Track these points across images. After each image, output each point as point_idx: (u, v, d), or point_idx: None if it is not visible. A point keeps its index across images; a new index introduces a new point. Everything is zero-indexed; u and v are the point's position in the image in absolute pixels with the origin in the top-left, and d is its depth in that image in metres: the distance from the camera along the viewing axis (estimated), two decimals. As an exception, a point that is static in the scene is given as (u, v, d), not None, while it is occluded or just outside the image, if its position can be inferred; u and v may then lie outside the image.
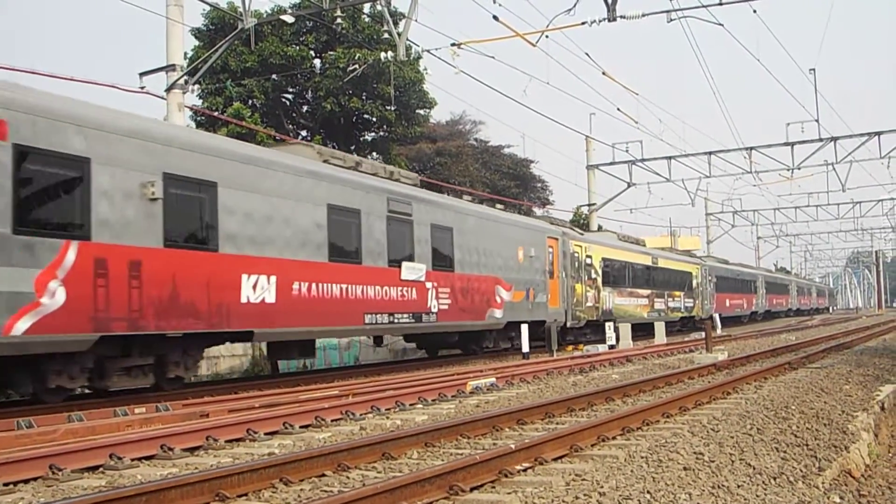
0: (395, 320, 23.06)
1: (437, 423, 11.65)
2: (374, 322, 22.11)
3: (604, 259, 39.20)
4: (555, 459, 9.48)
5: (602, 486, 7.89)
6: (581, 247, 36.90)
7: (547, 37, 27.61)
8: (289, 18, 33.42)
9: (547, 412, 13.14)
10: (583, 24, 26.71)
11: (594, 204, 52.39)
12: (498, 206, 35.34)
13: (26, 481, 8.98)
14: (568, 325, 34.93)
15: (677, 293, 50.71)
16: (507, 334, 30.64)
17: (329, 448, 9.51)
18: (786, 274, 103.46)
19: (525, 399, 15.69)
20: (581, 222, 52.13)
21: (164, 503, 7.31)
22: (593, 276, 37.76)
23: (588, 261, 37.30)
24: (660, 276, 47.56)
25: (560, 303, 33.89)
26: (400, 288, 23.31)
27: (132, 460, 9.96)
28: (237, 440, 11.57)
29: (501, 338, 30.73)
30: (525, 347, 28.10)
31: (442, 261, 25.49)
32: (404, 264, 23.57)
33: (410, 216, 24.09)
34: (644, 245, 50.89)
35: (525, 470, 8.87)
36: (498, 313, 28.50)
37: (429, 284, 24.58)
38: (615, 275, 40.78)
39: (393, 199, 23.36)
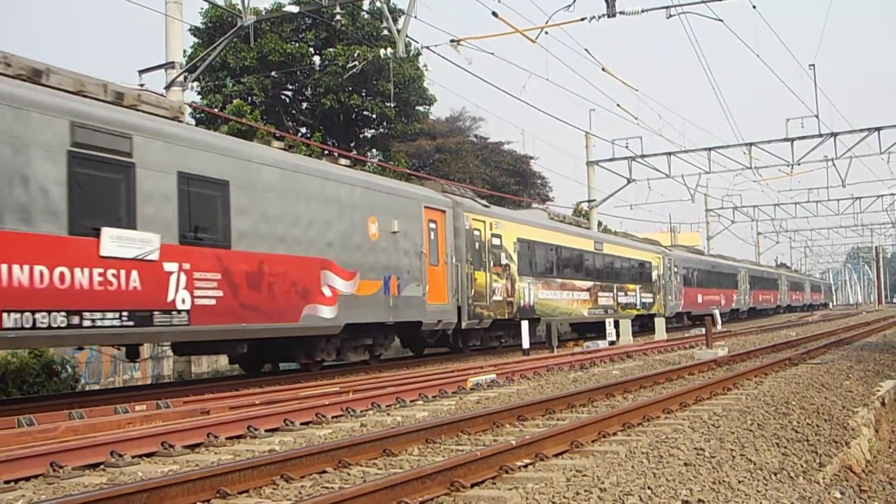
0: (85, 322, 14.48)
1: (437, 420, 11.65)
2: (20, 326, 13.54)
3: (520, 240, 31.32)
4: (555, 455, 9.47)
5: (603, 482, 7.90)
6: (483, 223, 28.54)
7: (546, 33, 27.72)
8: (293, 9, 33.42)
9: (547, 408, 13.14)
10: (582, 20, 26.78)
11: (594, 200, 52.38)
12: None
13: (27, 479, 8.97)
14: (463, 325, 26.94)
15: (631, 286, 43.33)
16: (358, 342, 23.42)
17: (330, 445, 9.50)
18: (776, 267, 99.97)
19: (525, 395, 15.70)
20: (581, 217, 52.08)
21: (166, 500, 7.30)
22: (504, 262, 29.71)
23: (495, 242, 29.26)
24: (606, 265, 40.21)
25: (448, 297, 25.91)
26: (99, 270, 14.84)
27: (133, 457, 9.95)
28: (238, 437, 11.56)
29: (351, 346, 23.30)
30: (525, 344, 27.81)
31: (204, 231, 17.27)
32: (107, 232, 15.05)
33: (129, 157, 15.60)
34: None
35: (526, 466, 8.86)
36: (326, 311, 20.46)
37: (170, 266, 16.15)
38: (539, 261, 33.15)
39: (84, 128, 14.83)
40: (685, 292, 53.28)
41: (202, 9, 40.56)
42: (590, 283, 37.95)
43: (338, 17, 31.46)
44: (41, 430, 11.31)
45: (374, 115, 44.78)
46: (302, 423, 12.63)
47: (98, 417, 12.62)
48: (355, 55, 38.16)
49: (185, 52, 30.44)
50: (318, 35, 42.77)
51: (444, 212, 26.28)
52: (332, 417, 13.32)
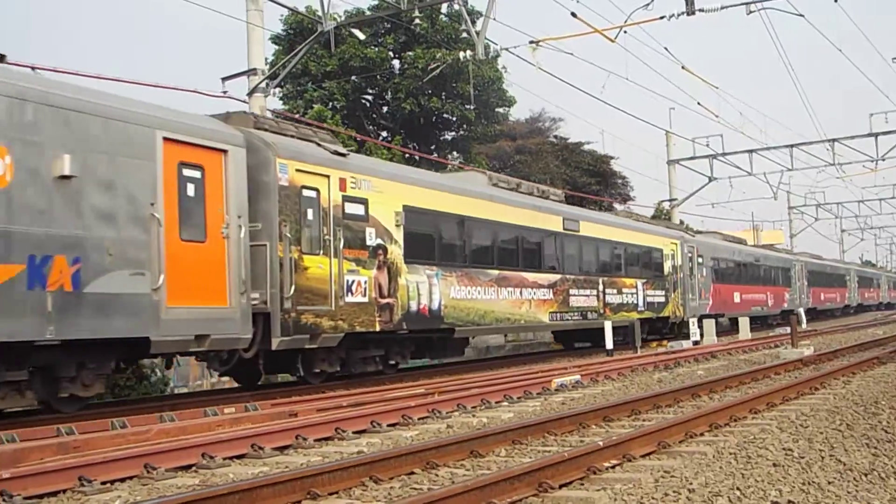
0: None
1: (523, 421, 11.69)
2: None
3: (409, 211, 20.50)
4: (643, 456, 9.45)
5: (691, 483, 7.87)
6: (325, 179, 18.16)
7: (625, 32, 27.48)
8: (360, 35, 33.65)
9: (633, 409, 13.11)
10: (661, 18, 26.57)
11: (675, 199, 51.86)
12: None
13: (122, 480, 9.18)
14: (275, 345, 16.48)
15: (628, 281, 31.76)
16: None
17: (417, 446, 9.60)
18: (846, 263, 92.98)
19: (611, 396, 15.66)
20: (662, 218, 51.37)
21: (257, 501, 7.43)
22: (372, 242, 19.17)
23: (354, 210, 18.81)
24: (585, 252, 28.95)
25: (231, 296, 15.54)
26: None
27: (223, 459, 10.12)
28: (326, 439, 11.70)
29: None
30: (609, 344, 27.38)
31: None
32: None
33: None
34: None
35: (613, 467, 8.87)
36: None
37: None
38: (453, 244, 22.50)
39: None
40: (715, 290, 41.40)
41: (282, 15, 40.99)
42: (555, 277, 26.78)
43: (416, 20, 31.61)
44: (134, 433, 11.54)
45: (454, 118, 44.87)
46: (389, 425, 12.74)
47: (188, 420, 12.82)
48: (435, 58, 38.28)
49: (266, 59, 30.83)
50: (398, 39, 42.96)
51: (221, 153, 15.82)
52: (419, 419, 13.41)
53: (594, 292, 29.02)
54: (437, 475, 8.81)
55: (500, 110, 47.67)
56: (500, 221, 24.35)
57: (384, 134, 45.00)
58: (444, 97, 43.59)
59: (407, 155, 36.99)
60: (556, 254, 27.23)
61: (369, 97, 45.54)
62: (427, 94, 42.28)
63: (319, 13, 26.39)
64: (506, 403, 15.39)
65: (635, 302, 32.45)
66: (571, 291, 27.55)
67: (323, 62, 40.66)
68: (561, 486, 7.96)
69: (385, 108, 45.70)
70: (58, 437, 11.21)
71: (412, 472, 8.90)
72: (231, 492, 7.31)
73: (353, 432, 12.05)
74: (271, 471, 9.34)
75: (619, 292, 31.01)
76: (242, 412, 13.60)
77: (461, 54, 31.20)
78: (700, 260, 39.63)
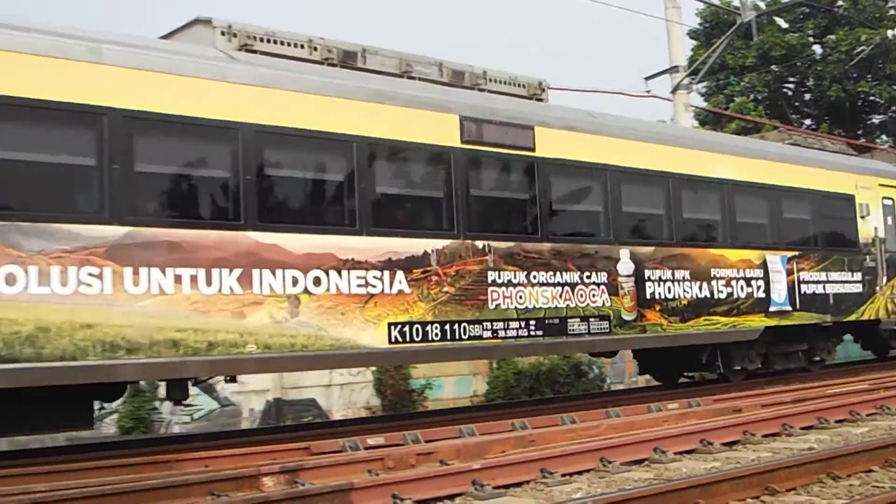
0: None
1: None
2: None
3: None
4: None
5: None
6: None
7: None
8: (783, 23, 32.75)
9: None
10: None
11: None
12: None
13: (580, 473, 9.57)
14: None
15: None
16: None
17: (874, 443, 9.38)
18: None
19: None
20: None
21: (716, 496, 7.58)
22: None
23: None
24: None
25: None
26: None
27: (674, 454, 10.30)
28: (773, 435, 11.60)
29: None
30: None
31: None
32: None
33: None
34: None
35: None
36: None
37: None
38: None
39: None
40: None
41: (697, 10, 40.75)
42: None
43: (839, 2, 30.35)
44: (584, 428, 12.02)
45: (881, 100, 42.59)
46: (836, 421, 12.44)
47: (633, 416, 13.20)
48: (859, 39, 36.58)
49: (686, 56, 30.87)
50: (818, 23, 41.42)
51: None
52: (867, 415, 12.99)
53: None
54: (897, 474, 8.59)
55: (932, 89, 44.68)
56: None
57: (807, 122, 43.51)
58: (870, 79, 41.50)
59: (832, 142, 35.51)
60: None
61: (790, 86, 44.19)
62: (852, 77, 40.43)
63: (735, 3, 26.09)
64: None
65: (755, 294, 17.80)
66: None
67: (741, 54, 39.98)
68: None
69: (807, 96, 44.19)
70: (514, 432, 11.99)
71: (870, 470, 8.72)
72: (691, 486, 7.52)
73: (801, 428, 11.89)
74: (723, 466, 9.45)
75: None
76: (686, 408, 13.77)
77: (889, 32, 29.59)
78: None
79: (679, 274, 15.83)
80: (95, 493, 8.40)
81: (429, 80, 13.90)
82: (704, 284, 16.26)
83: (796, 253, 18.38)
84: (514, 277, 13.54)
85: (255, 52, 12.40)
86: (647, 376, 21.93)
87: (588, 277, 14.42)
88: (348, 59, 13.16)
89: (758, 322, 17.22)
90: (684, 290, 15.89)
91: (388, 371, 22.50)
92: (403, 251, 12.46)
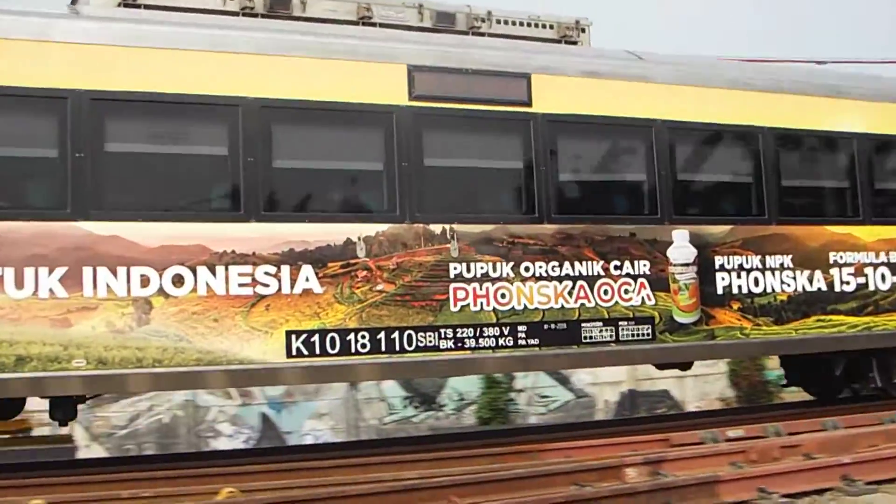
0: None
1: None
2: None
3: None
4: None
5: None
6: None
7: None
8: None
9: None
10: None
11: None
12: None
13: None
14: None
15: None
16: None
17: None
18: None
19: None
20: None
21: None
22: None
23: None
24: None
25: None
26: None
27: None
28: None
29: None
30: None
31: None
32: None
33: None
34: None
35: None
36: None
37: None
38: None
39: None
40: None
41: None
42: None
43: None
44: None
45: None
46: None
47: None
48: None
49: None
50: None
51: None
52: None
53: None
54: None
55: None
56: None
57: None
58: None
59: None
60: None
61: None
62: None
63: None
64: None
65: None
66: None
67: None
68: None
69: None
70: (882, 426, 11.22)
71: None
72: None
73: None
74: None
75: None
76: None
77: None
78: None
79: (774, 261, 12.00)
80: (464, 482, 8.71)
81: (401, 26, 11.11)
82: (818, 274, 12.30)
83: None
84: (494, 270, 10.45)
85: (138, 5, 10.18)
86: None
87: (618, 268, 11.05)
88: (277, 7, 10.63)
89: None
90: (783, 283, 12.05)
91: (743, 363, 21.24)
92: (314, 240, 9.69)
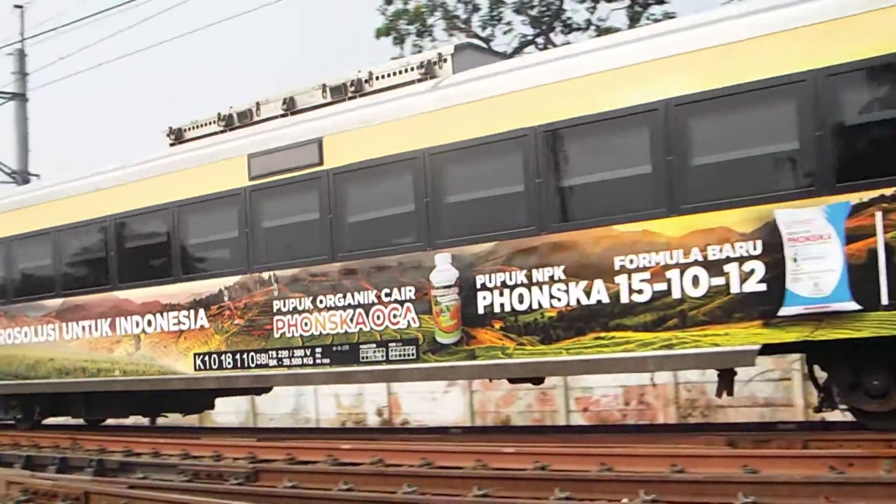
0: None
1: None
2: None
3: None
4: None
5: None
6: None
7: None
8: None
9: None
10: None
11: None
12: None
13: None
14: None
15: None
16: None
17: None
18: None
19: None
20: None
21: None
22: None
23: None
24: None
25: None
26: None
27: None
28: None
29: None
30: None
31: None
32: None
33: None
34: None
35: None
36: None
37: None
38: None
39: None
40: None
41: None
42: None
43: None
44: None
45: None
46: None
47: None
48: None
49: None
50: None
51: None
52: None
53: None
54: None
55: None
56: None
57: None
58: None
59: None
60: None
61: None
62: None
63: None
64: None
65: None
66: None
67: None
68: None
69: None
70: None
71: None
72: None
73: None
74: None
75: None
76: None
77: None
78: None
79: (542, 274, 10.90)
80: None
81: (314, 107, 13.94)
82: (598, 284, 10.56)
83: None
84: (300, 304, 12.94)
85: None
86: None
87: (388, 295, 12.13)
88: (243, 119, 14.71)
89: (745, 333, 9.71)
90: (552, 298, 10.85)
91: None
92: (205, 291, 14.04)
